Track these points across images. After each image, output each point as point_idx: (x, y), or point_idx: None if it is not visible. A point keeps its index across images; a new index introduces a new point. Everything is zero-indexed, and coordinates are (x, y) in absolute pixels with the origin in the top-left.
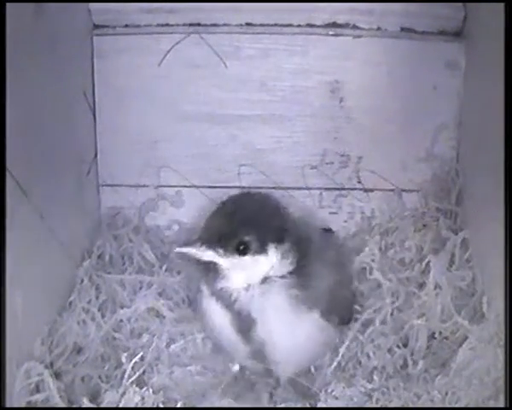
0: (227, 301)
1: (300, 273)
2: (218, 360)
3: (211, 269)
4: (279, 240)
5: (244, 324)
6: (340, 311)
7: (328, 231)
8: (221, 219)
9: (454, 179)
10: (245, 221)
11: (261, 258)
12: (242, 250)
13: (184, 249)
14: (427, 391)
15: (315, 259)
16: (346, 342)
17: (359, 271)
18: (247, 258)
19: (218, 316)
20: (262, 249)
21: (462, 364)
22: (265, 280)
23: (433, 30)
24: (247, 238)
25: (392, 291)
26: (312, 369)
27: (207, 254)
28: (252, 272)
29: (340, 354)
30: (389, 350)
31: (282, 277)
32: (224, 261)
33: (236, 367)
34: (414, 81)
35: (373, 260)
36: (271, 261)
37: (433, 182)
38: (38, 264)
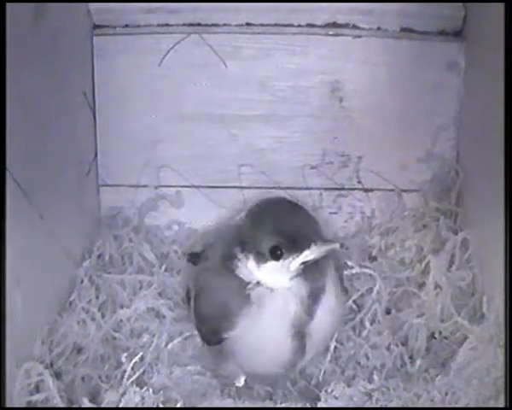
0: (317, 291)
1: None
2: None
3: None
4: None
5: (309, 316)
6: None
7: None
8: (295, 219)
9: (454, 179)
10: (309, 215)
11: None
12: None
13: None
14: (427, 391)
15: None
16: (345, 342)
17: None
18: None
19: (282, 314)
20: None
21: (462, 364)
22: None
23: (433, 30)
24: (319, 228)
25: (389, 291)
26: (312, 369)
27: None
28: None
29: (339, 354)
30: (389, 350)
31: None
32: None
33: (242, 382)
34: (414, 81)
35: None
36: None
37: (433, 182)
38: (38, 264)
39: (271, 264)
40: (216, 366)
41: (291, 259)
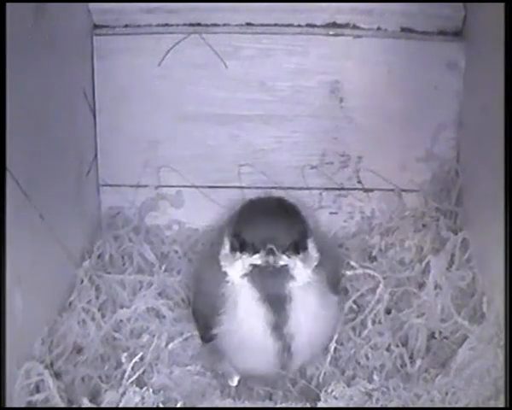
0: (273, 298)
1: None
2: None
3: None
4: (310, 235)
5: (281, 318)
6: (338, 285)
7: None
8: (267, 222)
9: (454, 179)
10: (289, 222)
11: (309, 253)
12: (297, 249)
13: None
14: (427, 391)
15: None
16: (345, 342)
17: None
18: (302, 256)
19: (255, 313)
20: (305, 246)
21: (462, 364)
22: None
23: (433, 30)
24: (297, 237)
25: (389, 291)
26: (312, 369)
27: (283, 259)
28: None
29: (339, 354)
30: (389, 350)
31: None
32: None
33: (235, 382)
34: (414, 81)
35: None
36: (314, 255)
37: (433, 182)
38: (38, 264)
39: (231, 256)
40: (213, 365)
41: (242, 256)
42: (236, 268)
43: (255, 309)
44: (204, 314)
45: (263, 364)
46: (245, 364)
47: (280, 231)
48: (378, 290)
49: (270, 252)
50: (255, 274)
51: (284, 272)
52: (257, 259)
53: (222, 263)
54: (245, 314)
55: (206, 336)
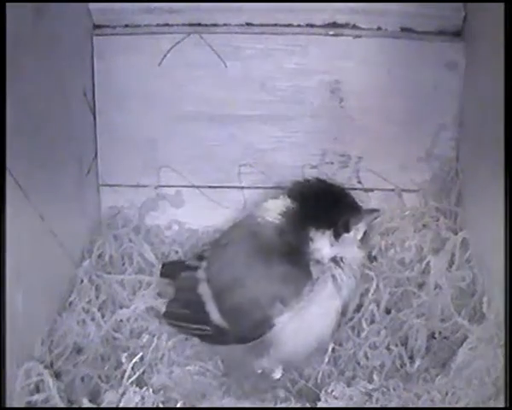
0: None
1: None
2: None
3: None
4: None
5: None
6: None
7: None
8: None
9: (454, 179)
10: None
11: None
12: (346, 228)
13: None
14: (427, 391)
15: None
16: (344, 343)
17: None
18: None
19: (332, 303)
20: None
21: (462, 364)
22: None
23: (433, 30)
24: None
25: (389, 291)
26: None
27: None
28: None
29: (339, 354)
30: (389, 350)
31: None
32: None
33: (279, 373)
34: (414, 81)
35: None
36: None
37: (433, 182)
38: (38, 264)
39: (345, 236)
40: (241, 367)
41: (356, 229)
42: (353, 243)
43: (340, 283)
44: (253, 310)
45: (321, 342)
46: (302, 347)
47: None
48: (372, 288)
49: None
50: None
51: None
52: (364, 224)
53: (319, 254)
54: (329, 292)
55: (252, 334)
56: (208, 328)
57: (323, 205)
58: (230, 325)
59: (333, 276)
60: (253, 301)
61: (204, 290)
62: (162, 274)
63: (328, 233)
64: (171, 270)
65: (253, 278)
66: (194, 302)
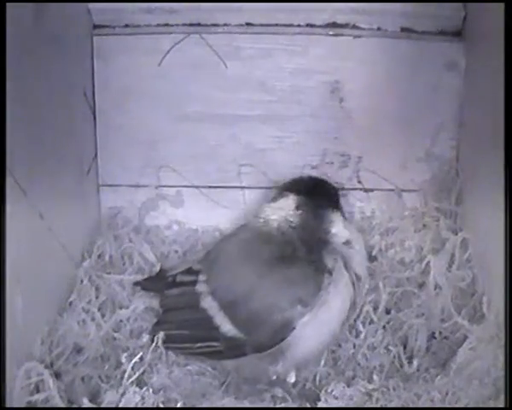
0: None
1: None
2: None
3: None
4: None
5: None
6: None
7: None
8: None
9: (454, 179)
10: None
11: None
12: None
13: None
14: (427, 391)
15: None
16: (344, 343)
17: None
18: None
19: (348, 290)
20: None
21: (462, 364)
22: None
23: (432, 30)
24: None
25: (389, 291)
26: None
27: None
28: None
29: (339, 355)
30: (388, 350)
31: None
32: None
33: (294, 377)
34: (414, 81)
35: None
36: None
37: (433, 182)
38: (38, 264)
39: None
40: (254, 376)
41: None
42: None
43: (347, 281)
44: (272, 317)
45: (331, 340)
46: (318, 346)
47: None
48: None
49: None
50: None
51: None
52: None
53: (338, 236)
54: (345, 285)
55: (270, 342)
56: (216, 344)
57: (324, 190)
58: (247, 335)
59: (345, 263)
60: (272, 307)
61: (209, 304)
62: (144, 288)
63: (339, 213)
64: (153, 285)
65: (268, 283)
66: (197, 319)
